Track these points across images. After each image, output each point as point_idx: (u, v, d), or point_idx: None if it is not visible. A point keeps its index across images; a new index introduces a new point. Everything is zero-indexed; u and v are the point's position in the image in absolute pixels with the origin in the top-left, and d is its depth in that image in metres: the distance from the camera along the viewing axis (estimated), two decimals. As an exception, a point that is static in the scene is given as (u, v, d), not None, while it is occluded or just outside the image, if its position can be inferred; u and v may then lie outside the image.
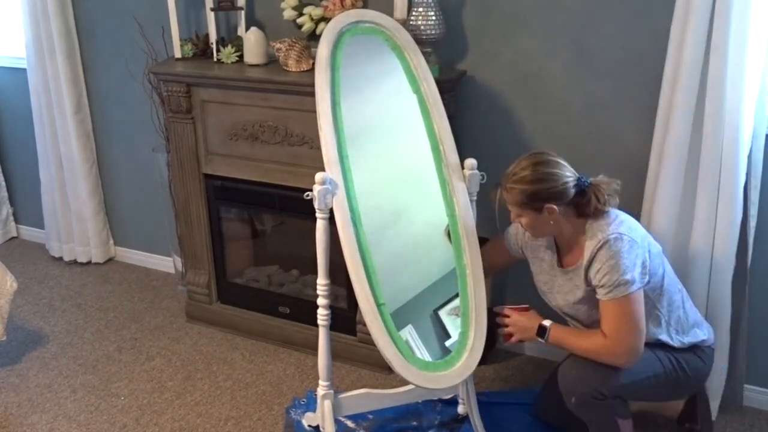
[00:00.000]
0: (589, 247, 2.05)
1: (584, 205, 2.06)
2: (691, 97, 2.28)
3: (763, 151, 2.36)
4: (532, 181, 2.03)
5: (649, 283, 2.04)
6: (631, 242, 2.00)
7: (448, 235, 2.26)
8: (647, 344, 2.05)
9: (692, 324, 2.17)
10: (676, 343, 2.13)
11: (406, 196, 2.32)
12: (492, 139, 2.80)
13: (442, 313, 2.27)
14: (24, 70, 3.61)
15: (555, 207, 2.04)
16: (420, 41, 2.49)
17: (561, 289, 2.20)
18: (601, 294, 2.02)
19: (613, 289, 1.98)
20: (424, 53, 2.41)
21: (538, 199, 2.04)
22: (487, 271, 2.35)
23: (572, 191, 2.04)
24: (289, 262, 3.27)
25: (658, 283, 2.09)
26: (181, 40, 3.00)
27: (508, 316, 2.24)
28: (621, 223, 2.04)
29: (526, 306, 2.26)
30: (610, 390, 2.05)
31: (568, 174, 2.05)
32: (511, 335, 2.24)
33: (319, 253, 2.18)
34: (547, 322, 2.15)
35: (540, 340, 2.16)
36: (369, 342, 2.48)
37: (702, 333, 2.18)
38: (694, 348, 2.16)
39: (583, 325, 2.19)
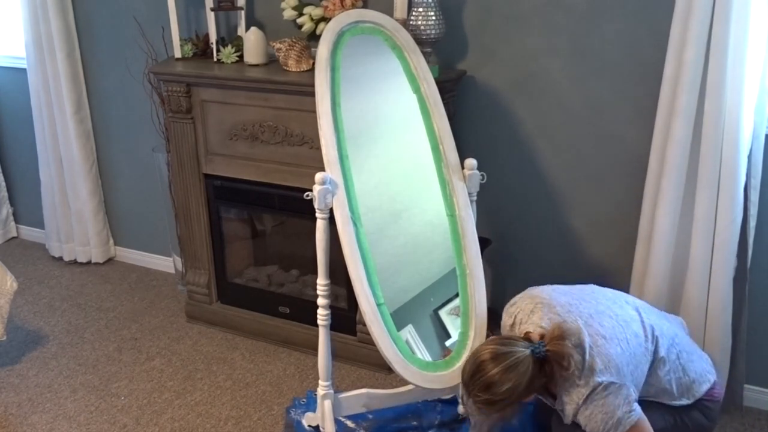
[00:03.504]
0: (569, 404, 1.92)
1: (551, 376, 1.90)
2: (692, 97, 2.28)
3: (763, 151, 2.36)
4: (506, 397, 1.84)
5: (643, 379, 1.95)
6: (605, 387, 1.86)
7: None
8: (650, 402, 1.98)
9: (692, 380, 2.05)
10: (681, 402, 2.04)
11: (406, 196, 2.32)
12: (492, 139, 2.80)
13: (442, 313, 2.27)
14: (24, 70, 3.61)
15: (529, 398, 1.91)
16: (420, 41, 2.49)
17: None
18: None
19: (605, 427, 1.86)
20: (424, 53, 2.41)
21: (515, 405, 1.89)
22: None
23: (536, 371, 1.86)
24: (289, 262, 3.27)
25: (649, 369, 1.98)
26: (181, 40, 3.00)
27: None
28: (593, 370, 1.87)
29: None
30: None
31: (527, 358, 1.85)
32: None
33: (319, 253, 2.18)
34: None
35: None
36: (369, 342, 2.48)
37: (705, 384, 2.06)
38: (700, 403, 2.07)
39: None
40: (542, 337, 1.91)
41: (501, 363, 1.84)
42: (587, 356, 1.88)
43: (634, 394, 1.91)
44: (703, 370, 2.09)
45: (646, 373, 1.98)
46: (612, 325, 1.96)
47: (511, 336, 1.99)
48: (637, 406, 1.90)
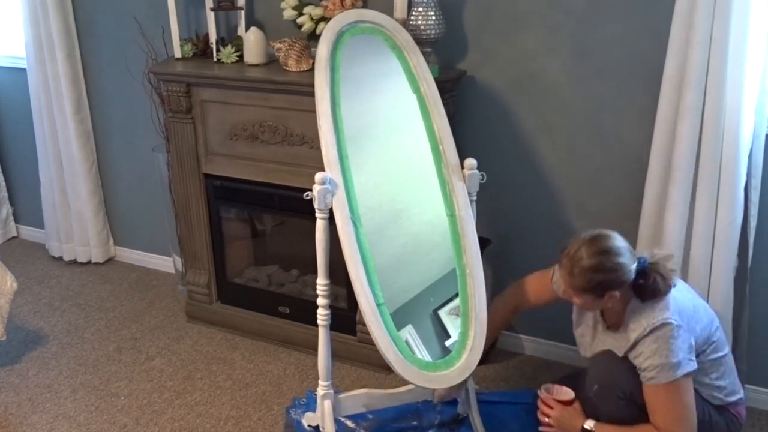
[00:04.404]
0: (633, 331, 2.00)
1: (645, 287, 2.00)
2: (696, 98, 2.28)
3: (763, 151, 2.36)
4: (598, 271, 1.95)
5: (699, 358, 2.02)
6: (676, 328, 1.95)
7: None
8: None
9: (731, 392, 2.15)
10: (714, 396, 2.11)
11: (406, 196, 2.31)
12: (492, 139, 2.80)
13: (442, 313, 2.27)
14: (24, 70, 3.61)
15: (617, 293, 1.98)
16: (420, 41, 2.49)
17: (598, 346, 2.16)
18: (645, 378, 1.98)
19: (658, 373, 1.95)
20: (424, 53, 2.41)
21: (601, 288, 1.97)
22: (521, 309, 2.36)
23: (633, 276, 1.98)
24: (289, 262, 3.27)
25: (708, 355, 2.07)
26: (181, 40, 3.00)
27: (551, 407, 2.17)
28: (667, 307, 1.99)
29: (571, 398, 2.18)
30: (637, 396, 2.03)
31: (630, 259, 1.98)
32: (549, 426, 2.17)
33: (318, 253, 2.18)
34: (590, 424, 2.09)
35: None
36: (369, 342, 2.47)
37: (736, 391, 2.17)
38: (728, 413, 2.14)
39: None
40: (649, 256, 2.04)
41: (607, 244, 1.97)
42: (671, 295, 1.99)
43: (689, 356, 1.98)
44: (735, 378, 2.19)
45: (703, 344, 2.06)
46: (689, 296, 2.11)
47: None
48: (694, 361, 1.97)
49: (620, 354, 2.06)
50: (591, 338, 2.21)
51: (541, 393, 2.21)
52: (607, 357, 2.10)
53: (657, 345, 1.95)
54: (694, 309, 2.07)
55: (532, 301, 2.35)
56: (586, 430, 2.09)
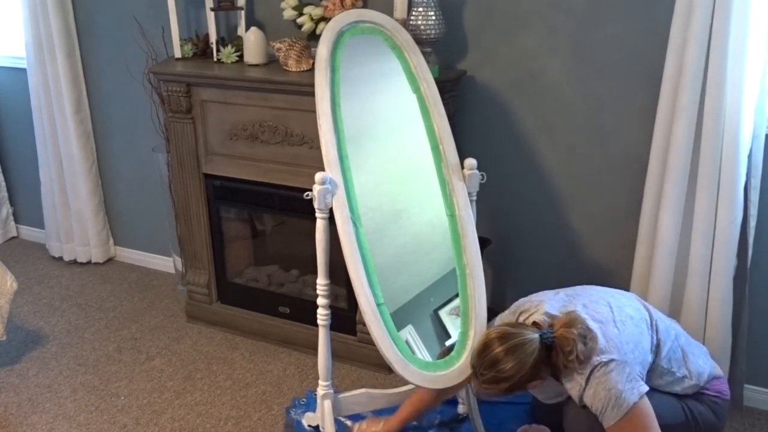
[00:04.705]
0: (573, 389, 1.95)
1: (557, 366, 1.94)
2: (693, 97, 2.28)
3: (763, 151, 2.36)
4: (511, 375, 1.89)
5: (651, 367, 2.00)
6: (604, 365, 1.90)
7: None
8: (660, 396, 2.02)
9: (692, 363, 2.10)
10: (687, 386, 2.09)
11: (406, 196, 2.31)
12: (492, 139, 2.80)
13: (442, 313, 2.27)
14: (24, 70, 3.61)
15: (539, 381, 1.96)
16: (420, 41, 2.49)
17: (546, 394, 2.13)
18: (606, 420, 1.91)
19: (609, 413, 1.89)
20: (424, 53, 2.41)
21: (521, 386, 1.93)
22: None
23: (542, 356, 1.91)
24: (289, 262, 3.27)
25: (651, 349, 2.03)
26: (181, 40, 3.00)
27: None
28: (592, 351, 1.91)
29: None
30: None
31: (534, 341, 1.90)
32: None
33: (318, 253, 2.18)
34: None
35: None
36: (369, 342, 2.47)
37: (707, 368, 2.13)
38: (709, 399, 2.11)
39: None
40: (551, 326, 1.96)
41: (507, 342, 1.91)
42: (588, 341, 1.92)
43: (638, 371, 1.94)
44: (702, 353, 2.16)
45: (649, 352, 2.01)
46: (606, 311, 2.02)
47: (520, 323, 2.05)
48: (642, 384, 1.92)
49: (576, 397, 2.00)
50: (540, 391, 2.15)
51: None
52: (576, 415, 2.04)
53: (593, 390, 1.90)
54: (619, 331, 1.97)
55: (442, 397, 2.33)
56: None
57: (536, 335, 1.92)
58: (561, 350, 1.91)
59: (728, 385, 2.21)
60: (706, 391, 2.13)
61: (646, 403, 1.91)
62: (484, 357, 1.93)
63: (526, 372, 1.90)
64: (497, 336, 1.93)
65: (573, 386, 1.95)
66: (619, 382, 1.89)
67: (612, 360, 1.91)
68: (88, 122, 3.62)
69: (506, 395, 1.98)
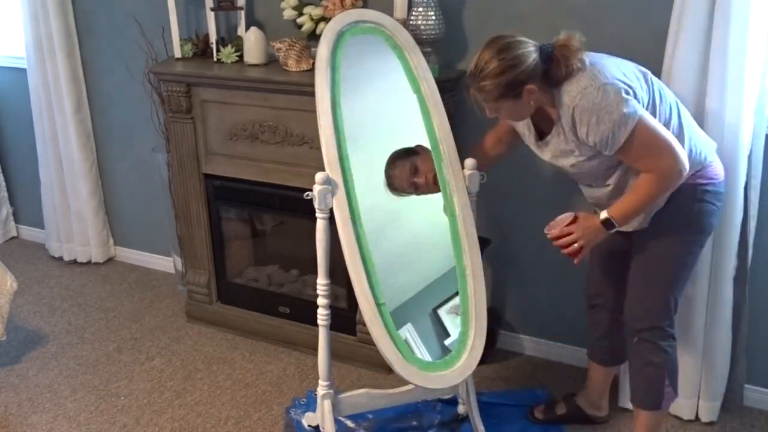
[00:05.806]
0: (564, 114, 1.98)
1: (555, 71, 1.96)
2: (693, 97, 2.28)
3: (763, 151, 2.36)
4: (503, 71, 1.92)
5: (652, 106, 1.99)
6: (600, 88, 1.91)
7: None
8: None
9: (704, 157, 2.09)
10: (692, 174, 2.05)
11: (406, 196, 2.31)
12: (492, 139, 2.79)
13: (442, 312, 2.27)
14: (24, 70, 3.61)
15: (533, 86, 1.95)
16: (420, 41, 2.49)
17: (560, 157, 2.10)
18: (609, 149, 1.94)
19: (615, 133, 1.91)
20: (424, 53, 2.41)
21: (514, 86, 1.94)
22: (487, 161, 2.36)
23: (540, 63, 1.95)
24: (289, 262, 3.27)
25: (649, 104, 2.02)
26: (181, 39, 3.00)
27: (569, 232, 2.09)
28: (587, 73, 1.95)
29: (571, 215, 2.12)
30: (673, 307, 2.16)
31: (531, 47, 1.95)
32: (579, 251, 2.08)
33: (319, 253, 2.18)
34: (603, 214, 2.04)
35: (611, 231, 2.05)
36: (369, 342, 2.48)
37: (705, 156, 2.10)
38: (700, 187, 2.08)
39: (602, 182, 2.13)
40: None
41: (501, 43, 1.95)
42: (586, 63, 1.96)
43: (633, 94, 1.94)
44: (702, 138, 2.13)
45: (647, 90, 2.02)
46: (606, 60, 2.04)
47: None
48: (634, 109, 1.91)
49: (577, 152, 2.03)
50: (547, 155, 2.14)
51: (551, 232, 2.12)
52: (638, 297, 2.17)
53: (593, 116, 1.91)
54: (618, 65, 2.02)
55: (489, 155, 2.38)
56: (606, 219, 2.04)
57: (535, 46, 1.96)
58: (561, 56, 1.94)
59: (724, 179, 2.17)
60: (700, 182, 2.08)
61: (643, 115, 1.93)
62: (481, 52, 1.96)
63: (519, 73, 1.91)
64: (493, 43, 1.96)
65: (568, 101, 1.95)
66: (618, 104, 1.90)
67: (606, 83, 1.92)
68: (88, 122, 3.62)
69: (500, 106, 1.99)
